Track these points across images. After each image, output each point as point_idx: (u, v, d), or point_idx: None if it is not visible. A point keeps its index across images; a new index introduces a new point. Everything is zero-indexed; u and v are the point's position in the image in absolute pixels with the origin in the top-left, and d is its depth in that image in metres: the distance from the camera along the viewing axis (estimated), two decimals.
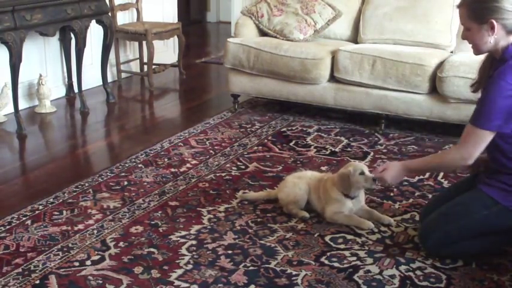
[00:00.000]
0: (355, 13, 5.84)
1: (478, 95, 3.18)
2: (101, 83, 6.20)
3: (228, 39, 5.68)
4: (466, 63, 4.70)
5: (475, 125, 3.00)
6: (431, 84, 4.93)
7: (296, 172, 4.05)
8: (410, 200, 3.91)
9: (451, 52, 5.35)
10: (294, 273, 3.08)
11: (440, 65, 4.93)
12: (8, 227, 3.52)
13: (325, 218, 3.62)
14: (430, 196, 3.93)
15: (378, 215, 3.62)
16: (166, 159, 4.56)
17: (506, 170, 3.07)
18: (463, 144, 3.06)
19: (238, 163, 4.50)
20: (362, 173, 3.49)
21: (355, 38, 5.79)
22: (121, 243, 3.34)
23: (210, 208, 3.78)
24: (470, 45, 3.12)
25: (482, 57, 3.22)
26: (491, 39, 2.99)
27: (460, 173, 4.07)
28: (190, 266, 3.12)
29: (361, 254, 3.27)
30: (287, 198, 3.71)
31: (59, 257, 3.20)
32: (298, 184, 3.72)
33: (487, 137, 3.00)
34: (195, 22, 10.92)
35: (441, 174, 4.24)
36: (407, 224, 3.60)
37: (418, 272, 3.11)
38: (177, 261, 3.17)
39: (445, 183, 4.14)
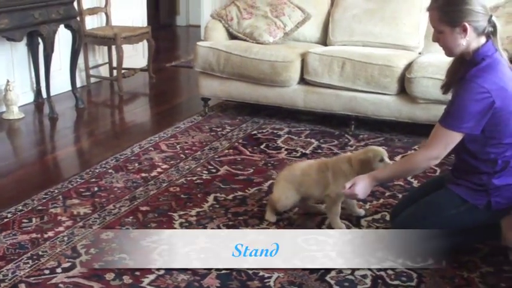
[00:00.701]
0: (324, 15, 5.87)
1: (448, 96, 3.21)
2: (70, 88, 6.15)
3: (198, 43, 5.68)
4: (434, 64, 4.75)
5: (446, 127, 3.02)
6: (400, 85, 4.97)
7: (291, 166, 3.84)
8: (381, 200, 3.93)
9: (419, 53, 5.40)
10: (267, 275, 3.08)
11: (409, 66, 4.97)
12: None
13: (330, 195, 3.53)
14: (400, 196, 3.95)
15: (354, 206, 3.69)
16: (136, 164, 4.54)
17: (474, 170, 3.11)
18: (433, 144, 3.08)
19: (209, 167, 4.49)
20: (381, 160, 3.44)
21: (324, 40, 5.82)
22: (92, 250, 3.32)
23: (182, 212, 3.77)
24: (441, 47, 3.12)
25: (450, 58, 3.24)
26: (463, 41, 3.00)
27: (430, 173, 4.10)
28: (162, 271, 3.11)
29: (333, 254, 3.28)
30: (272, 199, 3.67)
31: (29, 265, 3.17)
32: (286, 192, 3.62)
33: (457, 138, 3.02)
34: (164, 26, 10.89)
35: None
36: (378, 224, 3.63)
37: (390, 271, 3.13)
38: (149, 267, 3.15)
39: (415, 183, 4.16)
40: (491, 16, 3.02)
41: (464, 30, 2.97)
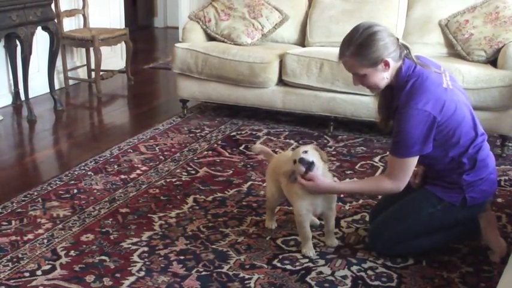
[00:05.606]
0: (302, 17, 5.88)
1: None
2: (48, 91, 6.13)
3: (176, 45, 5.67)
4: None
5: (398, 156, 3.06)
6: None
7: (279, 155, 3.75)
8: (360, 201, 3.95)
9: None
10: (247, 277, 3.09)
11: None
12: None
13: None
14: (379, 197, 3.97)
15: (329, 231, 3.42)
16: (115, 166, 4.53)
17: (444, 173, 3.16)
18: (393, 175, 3.11)
19: (189, 168, 4.49)
20: (295, 162, 3.19)
21: (302, 42, 5.83)
22: (72, 252, 3.31)
23: (161, 214, 3.77)
24: (366, 87, 3.18)
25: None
26: (387, 74, 3.05)
27: None
28: (142, 273, 3.11)
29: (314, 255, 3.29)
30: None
31: (9, 268, 3.16)
32: (268, 184, 3.59)
33: (413, 162, 3.07)
34: (142, 27, 10.86)
35: None
36: (357, 225, 3.65)
37: (370, 272, 3.15)
38: (129, 269, 3.15)
39: None
40: (398, 39, 3.08)
41: (386, 64, 3.02)
